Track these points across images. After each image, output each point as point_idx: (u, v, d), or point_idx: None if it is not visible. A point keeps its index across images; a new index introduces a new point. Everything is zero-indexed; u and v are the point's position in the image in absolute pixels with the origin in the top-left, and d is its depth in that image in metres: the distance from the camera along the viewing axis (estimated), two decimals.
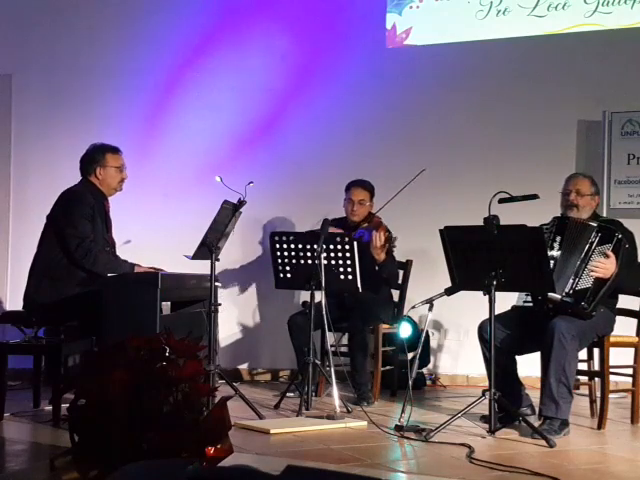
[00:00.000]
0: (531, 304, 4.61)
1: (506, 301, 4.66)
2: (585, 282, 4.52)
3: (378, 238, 5.46)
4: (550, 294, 4.49)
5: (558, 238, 4.60)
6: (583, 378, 5.10)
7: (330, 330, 4.97)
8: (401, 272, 5.92)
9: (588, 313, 4.50)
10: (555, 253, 4.57)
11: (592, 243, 4.53)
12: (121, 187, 5.25)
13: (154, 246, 6.16)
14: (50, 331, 5.02)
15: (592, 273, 4.49)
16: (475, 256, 4.44)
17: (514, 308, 4.71)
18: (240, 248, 6.40)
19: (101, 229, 5.12)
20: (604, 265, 4.48)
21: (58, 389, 4.50)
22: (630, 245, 4.64)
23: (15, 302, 6.22)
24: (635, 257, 4.74)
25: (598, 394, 4.77)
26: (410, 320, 6.04)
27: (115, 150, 5.23)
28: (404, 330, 5.49)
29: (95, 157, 5.17)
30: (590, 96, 6.30)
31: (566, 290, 4.51)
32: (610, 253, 4.49)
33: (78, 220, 4.99)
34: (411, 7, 6.77)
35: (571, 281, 4.52)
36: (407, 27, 6.77)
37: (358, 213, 5.79)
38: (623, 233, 4.59)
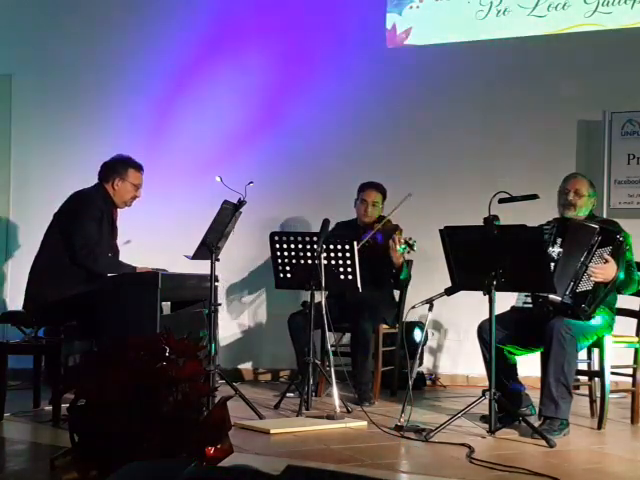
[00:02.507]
0: (531, 305, 4.60)
1: (506, 301, 4.66)
2: (585, 285, 4.50)
3: (398, 242, 5.41)
4: (551, 296, 4.49)
5: (559, 240, 4.59)
6: (583, 378, 5.10)
7: (330, 330, 4.97)
8: None
9: (588, 315, 4.49)
10: (556, 255, 4.56)
11: (592, 246, 4.51)
12: (131, 203, 5.28)
13: (154, 246, 6.17)
14: (50, 331, 5.02)
15: (592, 278, 4.49)
16: (475, 256, 4.43)
17: (513, 309, 4.71)
18: (240, 248, 6.39)
19: (107, 235, 5.13)
20: (603, 271, 4.47)
21: (58, 389, 4.49)
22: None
23: (15, 302, 6.23)
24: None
25: (598, 394, 4.77)
26: (420, 326, 6.05)
27: (139, 168, 5.26)
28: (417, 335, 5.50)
29: (118, 168, 5.20)
30: (590, 96, 6.31)
31: (567, 292, 4.51)
32: (609, 257, 4.48)
33: (86, 221, 5.01)
34: (411, 7, 6.77)
35: (572, 283, 4.51)
36: (407, 27, 6.77)
37: (371, 215, 5.81)
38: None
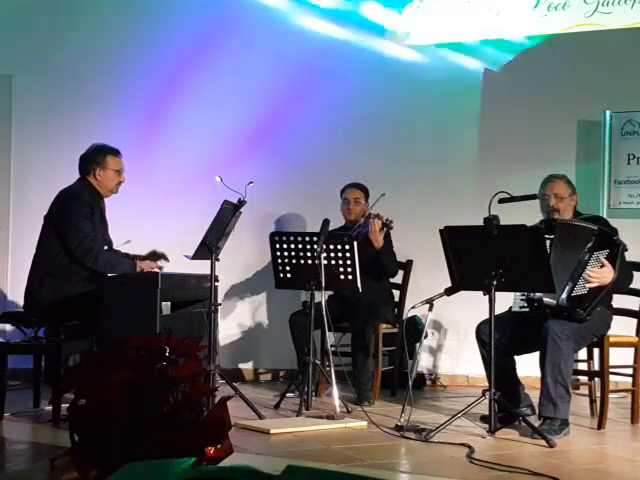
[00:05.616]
0: (527, 309, 4.60)
1: (505, 301, 4.66)
2: (581, 288, 4.48)
3: (375, 223, 5.59)
4: (545, 300, 4.49)
5: (547, 241, 4.57)
6: (583, 378, 5.10)
7: (330, 330, 4.97)
8: (401, 272, 5.93)
9: (583, 318, 4.48)
10: None
11: (590, 248, 4.49)
12: (117, 190, 5.24)
13: (154, 246, 6.14)
14: (50, 331, 5.02)
15: (588, 285, 4.46)
16: (475, 256, 4.43)
17: (511, 310, 4.70)
18: (240, 248, 6.39)
19: (100, 228, 5.12)
20: (600, 277, 4.45)
21: (58, 389, 4.49)
22: None
23: (15, 302, 6.23)
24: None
25: (598, 394, 4.77)
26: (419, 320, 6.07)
27: (116, 152, 5.21)
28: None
29: (96, 158, 5.16)
30: (590, 96, 6.30)
31: (563, 296, 4.49)
32: (606, 261, 4.46)
33: (77, 219, 4.99)
34: (411, 7, 6.77)
35: (567, 287, 4.49)
36: (407, 27, 6.76)
37: (354, 211, 5.85)
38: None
